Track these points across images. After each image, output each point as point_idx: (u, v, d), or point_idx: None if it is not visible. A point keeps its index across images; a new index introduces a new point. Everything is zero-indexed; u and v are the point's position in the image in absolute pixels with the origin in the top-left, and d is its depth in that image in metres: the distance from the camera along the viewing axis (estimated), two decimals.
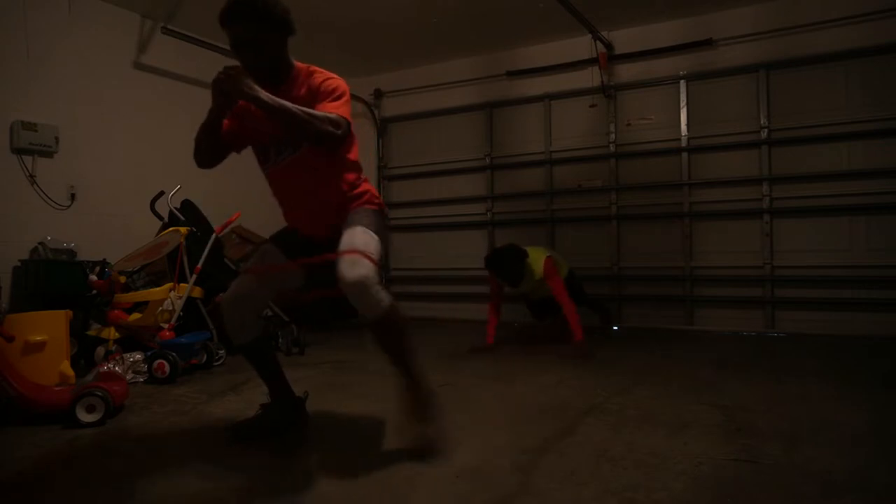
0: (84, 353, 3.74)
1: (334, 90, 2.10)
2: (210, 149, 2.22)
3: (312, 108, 2.02)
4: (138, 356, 3.43)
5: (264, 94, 1.92)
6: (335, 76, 2.16)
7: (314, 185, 2.19)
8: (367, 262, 1.97)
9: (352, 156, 2.26)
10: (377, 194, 2.33)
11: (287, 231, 2.37)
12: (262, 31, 2.07)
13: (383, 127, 6.89)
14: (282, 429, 2.34)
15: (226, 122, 2.20)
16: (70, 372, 2.94)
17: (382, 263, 2.04)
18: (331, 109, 2.02)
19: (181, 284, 3.81)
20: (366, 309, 2.00)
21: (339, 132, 2.01)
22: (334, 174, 2.20)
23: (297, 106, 1.95)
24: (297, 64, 2.22)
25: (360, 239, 2.04)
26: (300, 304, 4.39)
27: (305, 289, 2.36)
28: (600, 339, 4.76)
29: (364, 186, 2.29)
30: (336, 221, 2.18)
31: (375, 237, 2.10)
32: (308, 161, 2.16)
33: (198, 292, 3.91)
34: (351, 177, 2.25)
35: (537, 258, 4.28)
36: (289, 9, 2.15)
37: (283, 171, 2.21)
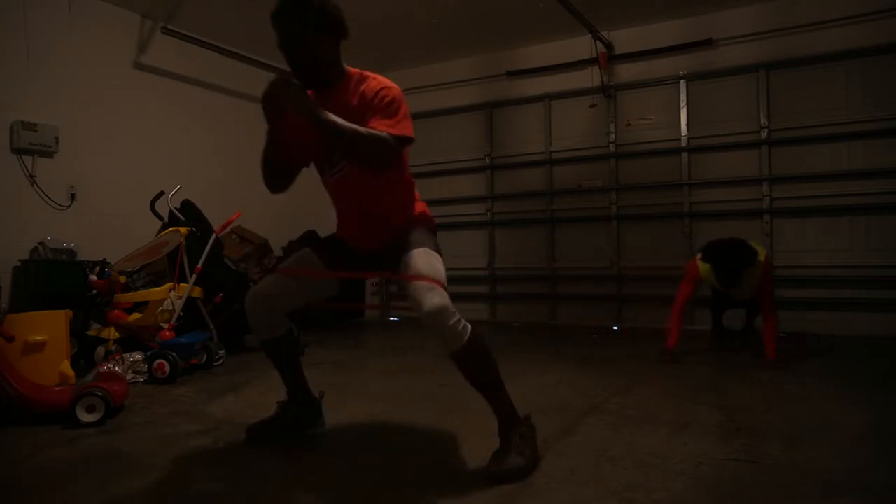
0: (84, 353, 3.74)
1: (390, 103, 1.94)
2: (282, 171, 2.14)
3: (365, 118, 1.91)
4: (138, 356, 3.43)
5: (318, 110, 1.82)
6: (390, 84, 2.01)
7: (368, 200, 2.11)
8: (441, 290, 1.91)
9: (405, 170, 2.16)
10: (429, 211, 2.26)
11: (332, 240, 2.28)
12: (313, 31, 1.97)
13: None
14: (298, 429, 2.33)
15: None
16: (70, 372, 2.94)
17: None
18: (384, 127, 1.88)
19: (181, 284, 3.81)
20: (446, 340, 1.93)
21: (389, 152, 1.88)
22: (388, 190, 2.11)
23: (347, 125, 1.83)
24: (350, 69, 2.10)
25: (427, 264, 1.97)
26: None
27: (337, 300, 2.29)
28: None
29: (419, 205, 2.23)
30: (389, 238, 2.12)
31: (438, 258, 2.05)
32: (361, 175, 2.05)
33: (198, 292, 3.91)
34: (405, 193, 2.18)
35: (759, 256, 3.72)
36: (341, 10, 2.04)
37: (338, 183, 2.12)
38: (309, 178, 2.32)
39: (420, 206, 2.23)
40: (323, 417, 2.41)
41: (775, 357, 3.62)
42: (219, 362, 3.81)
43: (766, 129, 5.10)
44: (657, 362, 3.74)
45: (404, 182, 2.17)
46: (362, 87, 2.02)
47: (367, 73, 2.07)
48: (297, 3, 1.99)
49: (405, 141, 1.93)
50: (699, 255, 3.84)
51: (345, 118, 1.86)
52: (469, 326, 1.96)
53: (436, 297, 1.88)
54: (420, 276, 1.92)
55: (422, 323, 1.90)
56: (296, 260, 2.22)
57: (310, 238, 2.23)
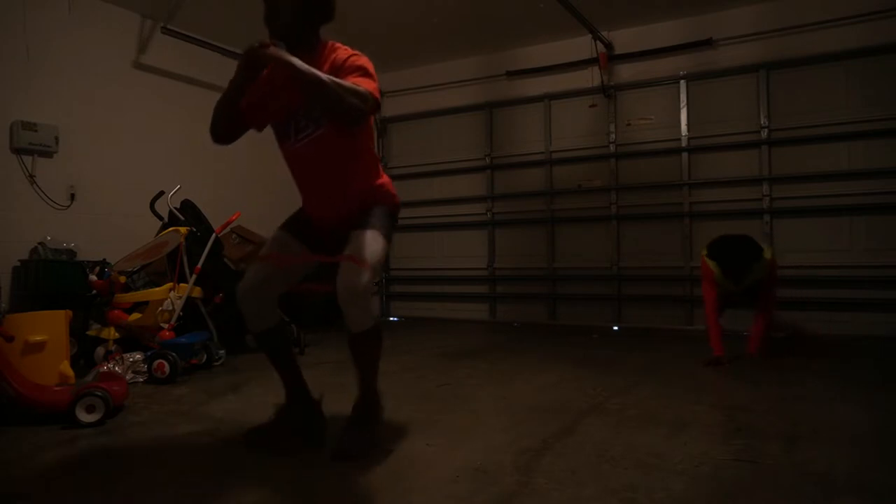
0: (84, 353, 3.74)
1: (361, 66, 2.06)
2: (230, 121, 2.16)
3: (337, 77, 1.97)
4: (138, 356, 3.43)
5: (297, 61, 1.90)
6: (359, 53, 2.13)
7: (334, 167, 2.17)
8: (367, 273, 1.98)
9: (371, 143, 2.27)
10: (393, 188, 2.32)
11: (299, 218, 2.32)
12: (302, 5, 2.09)
13: (383, 127, 6.89)
14: (297, 433, 2.29)
15: (246, 96, 2.14)
16: (70, 372, 2.94)
17: (382, 270, 2.06)
18: (360, 82, 1.99)
19: (181, 284, 3.81)
20: (353, 320, 2.03)
21: (366, 106, 1.96)
22: (354, 157, 2.19)
23: (327, 76, 1.92)
24: (322, 39, 2.21)
25: (367, 245, 2.04)
26: (303, 303, 4.36)
27: (313, 278, 2.35)
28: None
29: (383, 177, 2.29)
30: (352, 208, 2.17)
31: (383, 243, 2.11)
32: (329, 141, 2.12)
33: (198, 292, 3.91)
34: (370, 163, 2.25)
35: (766, 255, 3.71)
36: None
37: (304, 149, 2.16)
38: None
39: (385, 179, 2.30)
40: (323, 420, 2.38)
41: (757, 354, 3.68)
42: (219, 362, 3.81)
43: (766, 129, 5.09)
44: (706, 365, 3.67)
45: (370, 152, 2.27)
46: (333, 55, 2.13)
47: (338, 44, 2.19)
48: None
49: (377, 102, 2.03)
50: (705, 252, 3.81)
51: None
52: (376, 313, 2.04)
53: (361, 279, 1.97)
54: (354, 257, 2.01)
55: (338, 298, 1.99)
56: (273, 244, 2.27)
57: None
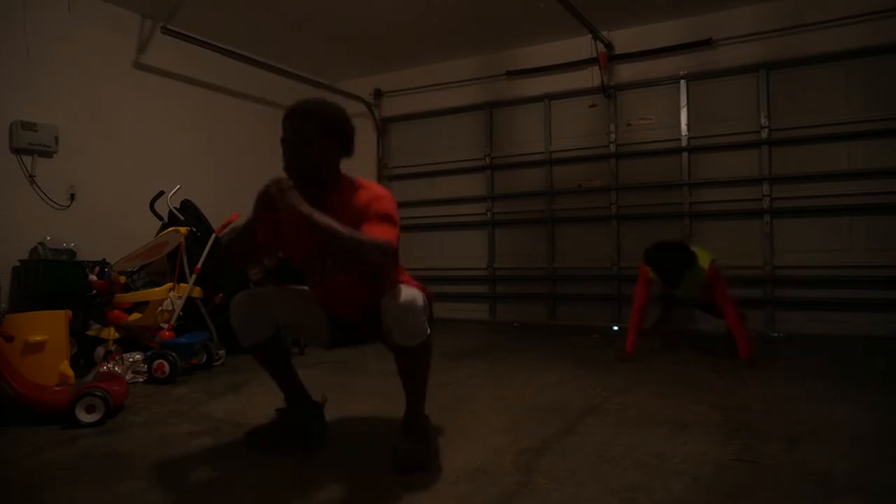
0: (84, 353, 3.74)
1: (382, 213, 1.99)
2: (244, 255, 2.21)
3: (358, 223, 1.94)
4: (138, 356, 3.43)
5: (316, 214, 1.86)
6: (384, 193, 2.08)
7: (361, 300, 2.16)
8: (420, 293, 2.00)
9: (396, 266, 2.19)
10: (426, 289, 2.25)
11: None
12: (324, 140, 2.03)
13: (383, 127, 6.89)
14: (299, 435, 2.30)
15: (262, 232, 2.12)
16: (70, 372, 2.94)
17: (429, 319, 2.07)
18: (378, 233, 1.92)
19: (181, 284, 3.81)
20: (406, 332, 1.98)
21: (385, 260, 1.93)
22: (382, 290, 2.12)
23: (345, 227, 1.86)
24: (344, 175, 2.15)
25: (406, 288, 2.03)
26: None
27: (329, 345, 2.36)
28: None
29: (412, 283, 2.24)
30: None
31: (424, 297, 2.08)
32: (355, 284, 2.12)
33: (198, 292, 3.91)
34: (395, 278, 2.19)
35: (703, 261, 3.79)
36: (355, 131, 2.14)
37: (330, 288, 2.18)
38: None
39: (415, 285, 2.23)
40: (324, 422, 2.39)
41: (751, 357, 3.64)
42: (219, 362, 3.81)
43: (766, 129, 5.09)
44: (617, 361, 3.85)
45: (395, 271, 2.18)
46: (355, 195, 2.06)
47: (362, 182, 2.13)
48: (318, 110, 2.06)
49: (395, 252, 1.99)
50: (643, 258, 3.90)
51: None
52: (429, 330, 2.04)
53: (415, 294, 1.98)
54: (401, 286, 2.02)
55: (392, 313, 1.96)
56: (300, 290, 2.32)
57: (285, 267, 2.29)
